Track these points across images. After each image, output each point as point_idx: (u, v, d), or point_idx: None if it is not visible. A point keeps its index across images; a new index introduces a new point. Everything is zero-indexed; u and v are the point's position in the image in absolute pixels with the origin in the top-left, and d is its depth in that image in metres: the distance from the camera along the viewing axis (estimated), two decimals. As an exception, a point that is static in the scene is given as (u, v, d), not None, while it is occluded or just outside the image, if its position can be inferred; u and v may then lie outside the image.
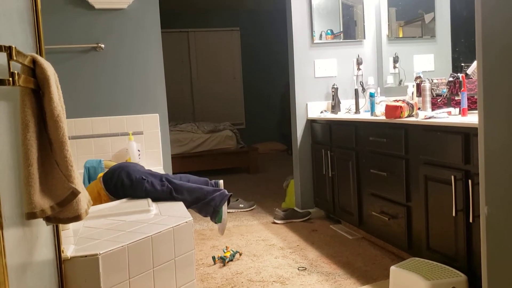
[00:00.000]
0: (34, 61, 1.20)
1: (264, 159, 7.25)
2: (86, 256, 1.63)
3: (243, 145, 6.49)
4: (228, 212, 4.16)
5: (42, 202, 1.19)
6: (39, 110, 1.23)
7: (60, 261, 1.60)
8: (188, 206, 2.53)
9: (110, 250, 1.67)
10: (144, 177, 2.54)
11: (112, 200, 2.53)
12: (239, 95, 8.50)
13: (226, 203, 2.58)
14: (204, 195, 2.54)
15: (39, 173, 1.19)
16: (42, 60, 1.22)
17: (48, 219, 1.26)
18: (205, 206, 2.55)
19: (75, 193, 1.25)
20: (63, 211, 1.26)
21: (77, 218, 1.28)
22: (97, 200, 2.50)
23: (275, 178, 5.73)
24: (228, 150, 6.26)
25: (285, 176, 4.69)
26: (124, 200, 2.46)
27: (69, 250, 1.66)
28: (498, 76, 1.17)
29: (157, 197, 2.52)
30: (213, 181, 2.76)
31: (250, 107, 8.53)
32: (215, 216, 2.57)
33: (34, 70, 1.22)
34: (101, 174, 2.63)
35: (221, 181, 2.76)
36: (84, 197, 1.34)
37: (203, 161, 6.05)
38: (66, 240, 1.79)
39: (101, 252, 1.64)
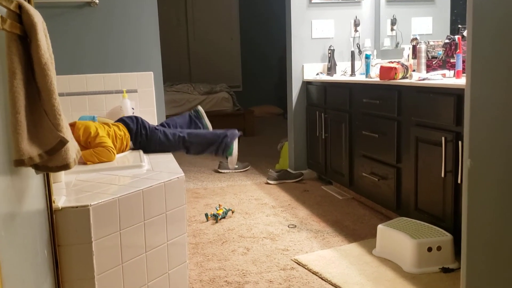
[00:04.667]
0: (20, 7, 1.18)
1: (260, 122, 7.25)
2: (77, 207, 1.65)
3: (239, 107, 6.48)
4: (223, 172, 4.22)
5: (30, 150, 1.19)
6: (26, 58, 1.22)
7: (51, 212, 1.62)
8: (203, 150, 2.66)
9: (101, 202, 1.70)
10: (156, 128, 2.65)
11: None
12: (237, 57, 8.42)
13: (237, 139, 2.78)
14: (218, 136, 2.68)
15: (27, 121, 1.19)
16: (28, 6, 1.20)
17: (37, 167, 1.27)
18: (220, 144, 2.70)
19: (63, 142, 1.25)
20: (51, 160, 1.27)
21: (65, 166, 1.29)
22: (122, 144, 2.53)
23: (270, 141, 5.75)
24: (224, 112, 6.25)
25: (280, 139, 4.71)
26: (118, 155, 2.47)
27: (61, 201, 1.68)
28: (486, 42, 1.18)
29: (169, 148, 2.60)
30: (192, 110, 2.86)
31: (248, 69, 8.46)
32: (227, 150, 2.71)
33: (21, 17, 1.20)
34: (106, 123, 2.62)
35: (199, 107, 2.88)
36: (72, 147, 1.34)
37: (199, 122, 6.05)
38: (58, 192, 1.81)
39: (92, 204, 1.66)
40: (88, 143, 2.35)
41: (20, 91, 1.17)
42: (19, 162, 1.17)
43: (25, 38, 1.23)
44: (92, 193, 1.81)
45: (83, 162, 2.26)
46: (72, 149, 1.34)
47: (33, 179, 1.45)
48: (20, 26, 1.18)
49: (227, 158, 2.79)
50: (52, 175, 1.93)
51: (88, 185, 1.95)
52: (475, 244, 1.27)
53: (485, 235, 1.22)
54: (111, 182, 1.97)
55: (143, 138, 2.58)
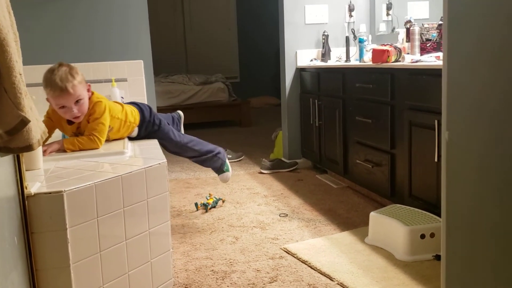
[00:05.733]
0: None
1: (258, 113, 7.17)
2: (50, 193, 1.58)
3: (235, 97, 6.40)
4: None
5: (-11, 129, 1.12)
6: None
7: (23, 198, 1.55)
8: (197, 156, 2.63)
9: (76, 188, 1.63)
10: (168, 123, 2.58)
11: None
12: (234, 48, 8.32)
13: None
14: (213, 149, 2.67)
15: (-15, 99, 1.12)
16: (-18, -24, 1.12)
17: (-3, 148, 1.20)
18: (213, 158, 2.68)
19: (24, 122, 1.18)
20: (13, 140, 1.20)
21: (28, 148, 1.22)
22: (126, 132, 2.40)
23: (265, 132, 5.66)
24: (219, 103, 6.18)
25: (275, 129, 4.64)
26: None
27: (34, 187, 1.61)
28: (461, 25, 1.16)
29: (169, 145, 2.54)
30: (175, 113, 2.80)
31: (245, 60, 8.37)
32: (223, 166, 2.72)
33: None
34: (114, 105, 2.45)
35: (180, 112, 2.80)
36: (36, 127, 1.27)
37: (194, 114, 5.94)
38: (35, 178, 1.74)
39: (66, 189, 1.59)
40: (88, 120, 2.24)
41: (-24, 66, 1.10)
42: (-24, 142, 1.10)
43: (-18, 12, 1.15)
44: (68, 179, 1.74)
45: (63, 149, 2.19)
46: (36, 129, 1.27)
47: (2, 165, 1.38)
48: (-26, -3, 1.11)
49: (220, 173, 2.75)
50: (28, 162, 1.87)
51: (67, 171, 1.88)
52: (454, 224, 1.21)
53: (464, 215, 1.17)
54: (90, 169, 1.90)
55: (155, 128, 2.48)
